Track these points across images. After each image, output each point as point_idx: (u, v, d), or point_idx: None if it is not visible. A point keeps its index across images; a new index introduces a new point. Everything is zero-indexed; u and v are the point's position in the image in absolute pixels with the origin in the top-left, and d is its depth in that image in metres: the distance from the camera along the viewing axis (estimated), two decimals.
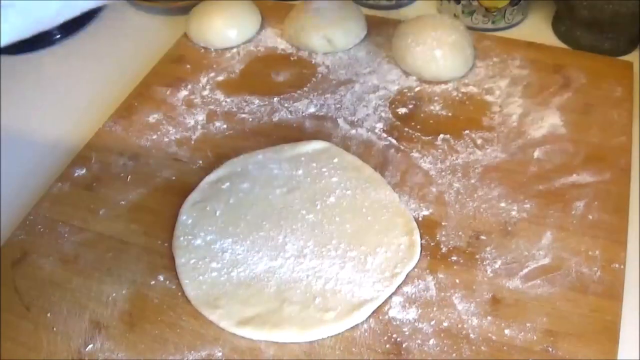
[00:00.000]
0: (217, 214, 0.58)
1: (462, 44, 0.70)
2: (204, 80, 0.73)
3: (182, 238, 0.56)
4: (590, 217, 0.56)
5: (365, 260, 0.53)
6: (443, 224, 0.56)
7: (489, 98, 0.69)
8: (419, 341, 0.48)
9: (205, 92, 0.71)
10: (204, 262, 0.54)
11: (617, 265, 0.52)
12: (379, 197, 0.58)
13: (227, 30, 0.77)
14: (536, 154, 0.62)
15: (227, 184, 0.60)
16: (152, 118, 0.69)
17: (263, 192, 0.59)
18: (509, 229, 0.56)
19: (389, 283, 0.52)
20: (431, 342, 0.48)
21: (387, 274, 0.52)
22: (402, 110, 0.68)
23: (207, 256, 0.55)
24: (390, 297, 0.51)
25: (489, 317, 0.49)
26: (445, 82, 0.70)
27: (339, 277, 0.52)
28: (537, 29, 0.81)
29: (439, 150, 0.63)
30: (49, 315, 0.52)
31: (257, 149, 0.63)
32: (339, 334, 0.49)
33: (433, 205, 0.58)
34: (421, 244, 0.55)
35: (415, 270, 0.53)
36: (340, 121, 0.67)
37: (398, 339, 0.48)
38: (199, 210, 0.58)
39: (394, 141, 0.64)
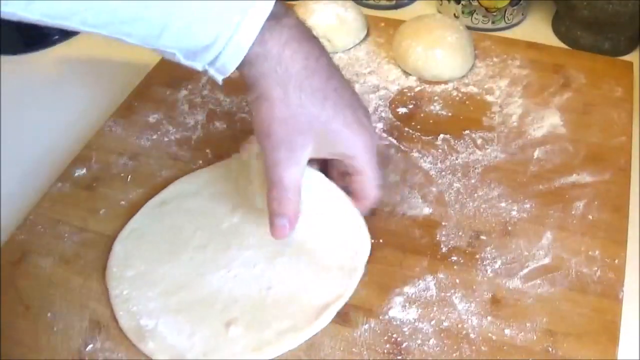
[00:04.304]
0: (155, 239, 0.55)
1: (462, 44, 0.70)
2: (204, 80, 0.73)
3: (115, 269, 0.54)
4: (590, 217, 0.56)
5: (321, 262, 0.52)
6: (443, 223, 0.56)
7: (489, 98, 0.69)
8: (419, 341, 0.48)
9: (205, 92, 0.71)
10: (139, 292, 0.52)
11: (617, 266, 0.52)
12: (324, 196, 0.56)
13: None
14: (536, 154, 0.62)
15: (171, 205, 0.58)
16: (152, 118, 0.69)
17: (210, 212, 0.57)
18: (509, 229, 0.56)
19: (349, 278, 0.51)
20: (431, 342, 0.48)
21: (345, 269, 0.52)
22: (402, 110, 0.68)
23: (143, 286, 0.52)
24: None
25: (489, 317, 0.49)
26: (445, 82, 0.70)
27: (297, 284, 0.51)
28: (537, 29, 0.81)
29: (439, 150, 0.63)
30: (49, 315, 0.52)
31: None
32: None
33: (433, 205, 0.58)
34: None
35: (416, 269, 0.53)
36: None
37: (398, 339, 0.48)
38: (136, 238, 0.56)
39: (394, 141, 0.64)
